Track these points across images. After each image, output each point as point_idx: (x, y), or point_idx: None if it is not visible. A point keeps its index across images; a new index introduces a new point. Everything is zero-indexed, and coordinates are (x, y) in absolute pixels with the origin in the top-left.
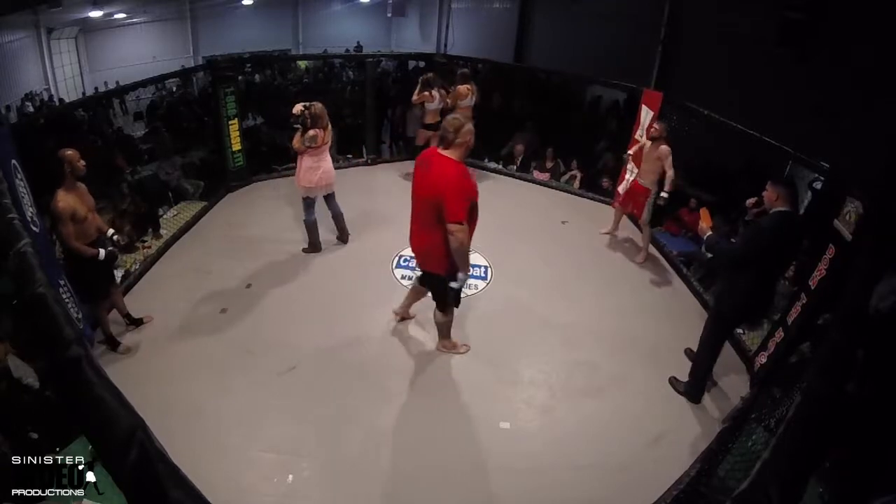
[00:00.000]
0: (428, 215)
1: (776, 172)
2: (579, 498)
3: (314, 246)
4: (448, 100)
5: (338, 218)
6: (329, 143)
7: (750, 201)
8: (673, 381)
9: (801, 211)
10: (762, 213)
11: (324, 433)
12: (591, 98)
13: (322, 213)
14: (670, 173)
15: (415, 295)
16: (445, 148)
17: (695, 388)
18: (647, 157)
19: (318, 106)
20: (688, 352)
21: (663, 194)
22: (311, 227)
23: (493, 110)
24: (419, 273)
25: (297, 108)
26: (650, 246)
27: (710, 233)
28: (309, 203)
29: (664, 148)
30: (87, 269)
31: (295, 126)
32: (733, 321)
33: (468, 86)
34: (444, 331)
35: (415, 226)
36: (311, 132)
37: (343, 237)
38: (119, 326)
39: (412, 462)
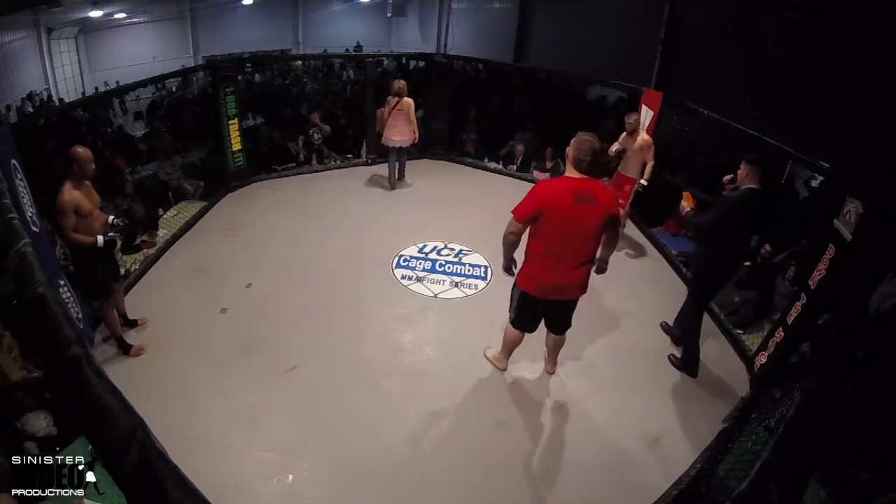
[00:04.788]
0: (597, 242)
1: (775, 172)
2: (579, 498)
3: (391, 184)
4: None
5: (400, 166)
6: (402, 111)
7: (726, 178)
8: (671, 359)
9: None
10: (735, 189)
11: (324, 433)
12: (595, 98)
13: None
14: (650, 164)
15: (548, 348)
16: (584, 172)
17: (689, 361)
18: (630, 151)
19: (401, 83)
20: (663, 325)
21: (643, 182)
22: (388, 169)
23: (493, 110)
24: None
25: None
26: (649, 247)
27: (688, 209)
28: (389, 151)
29: (646, 138)
30: (91, 266)
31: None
32: (710, 289)
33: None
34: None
35: (573, 263)
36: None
37: (399, 176)
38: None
39: (411, 462)
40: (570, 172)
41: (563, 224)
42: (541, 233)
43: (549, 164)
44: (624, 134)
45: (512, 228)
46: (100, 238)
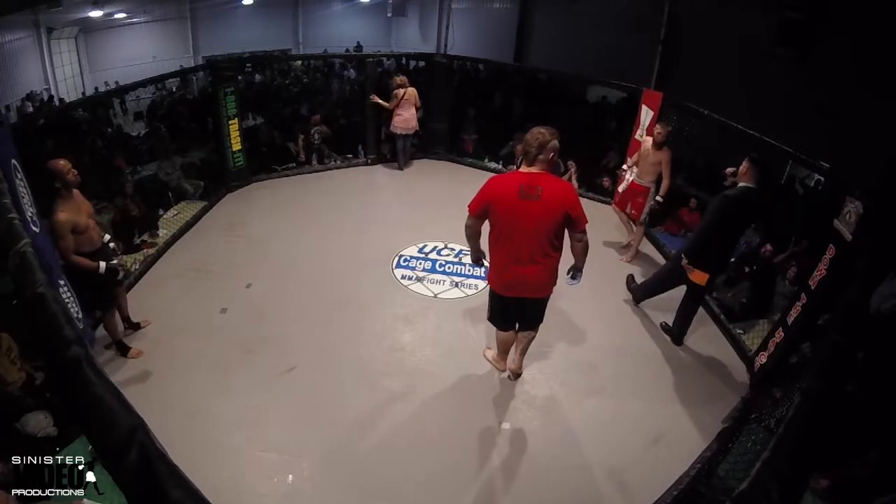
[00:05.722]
0: (549, 239)
1: (775, 172)
2: (579, 498)
3: (400, 166)
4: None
5: (403, 151)
6: (410, 101)
7: (729, 170)
8: (663, 326)
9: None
10: (733, 184)
11: (324, 433)
12: (595, 98)
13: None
14: (668, 181)
15: (516, 339)
16: (531, 163)
17: (643, 292)
18: (647, 159)
19: (402, 77)
20: (663, 325)
21: (658, 198)
22: (398, 153)
23: (493, 110)
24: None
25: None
26: (649, 247)
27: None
28: (397, 137)
29: (668, 154)
30: (90, 281)
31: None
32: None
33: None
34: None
35: (524, 260)
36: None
37: (400, 164)
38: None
39: (412, 462)
40: (523, 166)
41: (508, 219)
42: (493, 228)
43: None
44: (651, 147)
45: (467, 221)
46: (102, 264)
